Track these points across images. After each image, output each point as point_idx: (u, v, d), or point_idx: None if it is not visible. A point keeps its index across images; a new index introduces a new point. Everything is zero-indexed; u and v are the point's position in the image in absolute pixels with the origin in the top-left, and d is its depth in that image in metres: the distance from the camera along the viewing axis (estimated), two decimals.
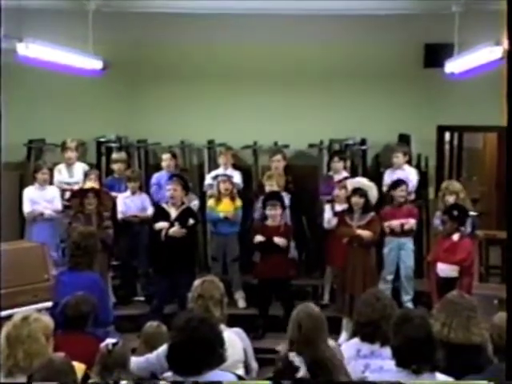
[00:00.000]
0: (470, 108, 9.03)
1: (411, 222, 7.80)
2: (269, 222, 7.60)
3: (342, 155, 8.73)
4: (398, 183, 7.92)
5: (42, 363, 3.54)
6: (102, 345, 4.01)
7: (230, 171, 8.62)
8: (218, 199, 8.16)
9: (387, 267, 7.85)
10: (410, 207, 7.94)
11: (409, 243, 7.86)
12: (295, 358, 4.04)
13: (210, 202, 8.27)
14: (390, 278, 7.84)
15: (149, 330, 5.05)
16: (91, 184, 7.94)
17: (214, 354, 3.47)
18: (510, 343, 3.63)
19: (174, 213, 7.61)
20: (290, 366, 4.01)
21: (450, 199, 7.60)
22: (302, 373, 3.99)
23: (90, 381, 3.96)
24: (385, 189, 8.38)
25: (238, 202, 8.20)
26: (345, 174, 8.49)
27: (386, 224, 7.72)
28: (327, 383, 3.96)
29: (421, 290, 8.02)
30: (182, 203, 7.72)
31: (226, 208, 8.11)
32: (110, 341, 4.03)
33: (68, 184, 8.37)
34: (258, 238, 7.55)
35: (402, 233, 7.79)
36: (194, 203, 8.25)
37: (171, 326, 3.68)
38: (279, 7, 8.06)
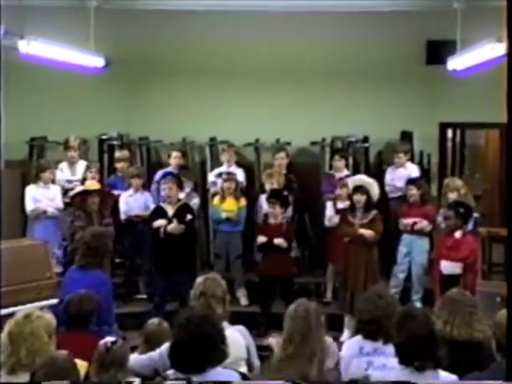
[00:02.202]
0: (472, 105, 9.01)
1: (423, 223, 7.73)
2: (271, 221, 7.61)
3: (342, 153, 8.72)
4: (408, 182, 7.92)
5: (44, 361, 3.55)
6: (101, 343, 3.99)
7: (234, 168, 8.62)
8: (222, 197, 8.15)
9: (399, 264, 7.86)
10: (429, 208, 7.86)
11: (422, 242, 7.83)
12: None
13: (214, 201, 8.26)
14: (401, 275, 7.84)
15: (150, 328, 5.04)
16: (92, 176, 8.02)
17: (217, 351, 3.48)
18: (511, 343, 3.63)
19: (170, 210, 7.59)
20: None
21: (452, 196, 7.60)
22: None
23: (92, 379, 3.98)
24: (387, 187, 8.38)
25: (242, 202, 8.18)
26: (346, 172, 8.49)
27: (401, 221, 7.78)
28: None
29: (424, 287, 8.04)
30: (179, 200, 7.71)
31: (229, 207, 8.09)
32: (108, 339, 4.01)
33: (70, 182, 8.37)
34: (261, 239, 7.55)
35: (412, 231, 7.77)
36: (194, 201, 8.22)
37: (173, 323, 3.68)
38: (280, 5, 8.06)
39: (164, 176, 7.98)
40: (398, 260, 7.89)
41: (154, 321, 5.10)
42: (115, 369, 3.93)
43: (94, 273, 5.74)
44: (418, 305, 7.58)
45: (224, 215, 8.06)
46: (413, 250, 7.81)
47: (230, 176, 8.23)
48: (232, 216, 8.04)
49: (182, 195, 7.94)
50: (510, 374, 3.55)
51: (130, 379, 3.99)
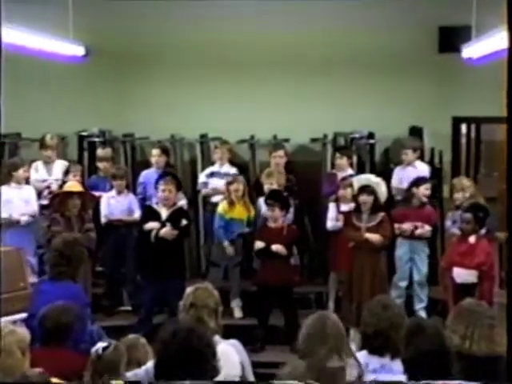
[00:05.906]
0: (488, 97, 8.93)
1: (425, 229, 7.67)
2: (270, 224, 7.57)
3: (344, 151, 8.66)
4: (422, 180, 7.80)
5: (17, 379, 3.53)
6: (93, 349, 4.06)
7: (227, 168, 8.58)
8: (230, 204, 7.93)
9: (399, 272, 7.81)
10: (430, 211, 7.83)
11: (423, 247, 7.80)
12: None
13: (219, 209, 8.01)
14: (402, 284, 7.80)
15: (125, 342, 5.05)
16: (73, 181, 7.93)
17: (207, 367, 3.46)
18: (511, 345, 3.63)
19: (164, 213, 7.57)
20: None
21: (458, 196, 7.60)
22: None
23: None
24: (394, 189, 8.34)
25: (252, 210, 8.02)
26: (350, 171, 8.45)
27: (397, 226, 7.64)
28: None
29: (436, 297, 8.02)
30: (174, 203, 7.70)
31: (239, 216, 7.94)
32: (100, 345, 4.06)
33: (45, 182, 8.33)
34: (258, 245, 7.47)
35: (412, 236, 7.70)
36: (182, 203, 8.11)
37: (156, 339, 3.66)
38: None
39: (162, 176, 7.90)
40: (397, 268, 7.83)
41: (128, 337, 5.09)
42: (109, 375, 4.01)
43: (65, 285, 5.63)
44: (423, 314, 7.53)
45: (237, 232, 7.91)
46: (415, 257, 7.77)
47: (236, 177, 8.10)
48: (246, 231, 7.94)
49: (182, 202, 8.00)
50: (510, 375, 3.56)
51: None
